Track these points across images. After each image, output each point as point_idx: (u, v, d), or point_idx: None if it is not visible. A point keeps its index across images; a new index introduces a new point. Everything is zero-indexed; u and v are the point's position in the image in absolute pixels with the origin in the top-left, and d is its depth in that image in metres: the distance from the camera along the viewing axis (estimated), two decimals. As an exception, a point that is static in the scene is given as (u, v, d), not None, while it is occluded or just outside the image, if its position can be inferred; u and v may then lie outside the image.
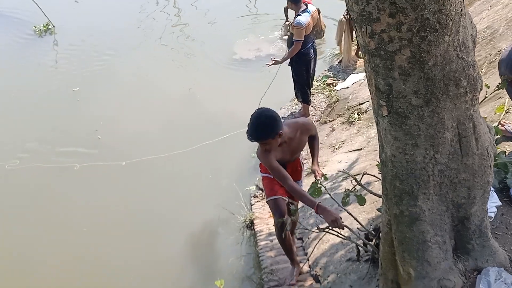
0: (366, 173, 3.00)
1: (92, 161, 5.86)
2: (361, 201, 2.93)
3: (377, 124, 2.16)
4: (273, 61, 5.77)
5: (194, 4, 10.25)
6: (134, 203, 5.41)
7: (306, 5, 5.46)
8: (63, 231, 5.06)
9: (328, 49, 7.56)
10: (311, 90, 6.17)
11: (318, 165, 3.30)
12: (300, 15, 5.39)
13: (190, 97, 7.11)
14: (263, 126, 2.99)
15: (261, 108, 3.18)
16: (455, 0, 1.78)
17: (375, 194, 2.91)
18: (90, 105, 6.95)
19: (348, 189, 3.04)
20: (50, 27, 9.05)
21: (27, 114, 6.88)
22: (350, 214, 2.84)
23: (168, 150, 6.01)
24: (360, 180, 3.09)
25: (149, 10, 9.99)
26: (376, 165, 2.86)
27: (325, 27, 6.32)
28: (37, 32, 9.00)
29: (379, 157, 2.23)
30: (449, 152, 2.03)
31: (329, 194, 2.94)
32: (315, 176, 3.29)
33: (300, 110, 6.32)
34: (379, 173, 2.89)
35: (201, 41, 8.70)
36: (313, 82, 6.20)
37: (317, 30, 5.93)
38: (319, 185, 2.81)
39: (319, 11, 5.83)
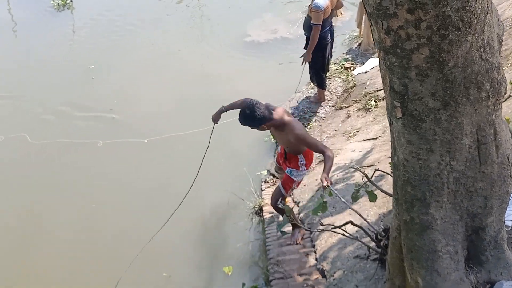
0: (378, 170, 2.88)
1: (109, 138, 5.89)
2: (372, 197, 2.83)
3: (390, 125, 2.04)
4: (303, 59, 5.58)
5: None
6: (148, 181, 5.43)
7: None
8: (82, 204, 5.15)
9: (347, 31, 7.30)
10: (327, 75, 5.98)
11: (326, 176, 3.32)
12: None
13: (204, 77, 7.00)
14: (246, 119, 3.60)
15: (251, 100, 3.63)
16: (481, -4, 1.62)
17: (386, 193, 2.80)
18: (105, 83, 6.91)
19: (359, 184, 2.93)
20: (68, 1, 8.96)
21: (43, 90, 6.88)
22: (359, 215, 2.74)
23: (182, 129, 5.99)
24: (372, 176, 2.98)
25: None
26: (389, 163, 2.74)
27: (341, 14, 6.03)
28: (55, 7, 8.93)
29: (391, 159, 2.11)
30: (466, 159, 1.90)
31: (339, 197, 2.83)
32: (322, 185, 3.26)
33: (315, 94, 6.16)
34: (391, 172, 2.77)
35: (216, 21, 8.51)
36: (329, 66, 6.02)
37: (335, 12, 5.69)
38: (324, 200, 2.69)
39: None
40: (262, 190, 5.20)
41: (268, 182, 5.35)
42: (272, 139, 5.92)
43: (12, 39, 8.40)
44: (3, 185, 5.45)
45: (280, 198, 3.94)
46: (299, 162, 3.86)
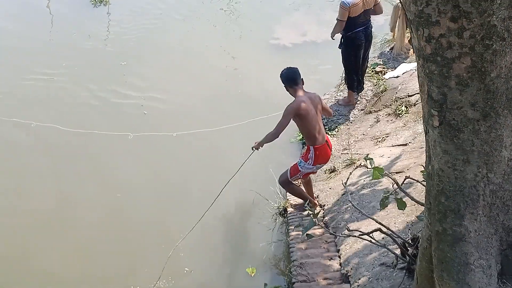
0: (408, 177, 2.83)
1: (139, 132, 6.02)
2: (401, 205, 2.78)
3: (425, 133, 2.00)
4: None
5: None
6: (176, 175, 5.55)
7: None
8: (110, 194, 5.30)
9: (380, 35, 7.21)
10: (363, 79, 5.92)
11: (257, 141, 4.19)
12: None
13: (232, 75, 7.05)
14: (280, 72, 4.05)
15: (293, 67, 4.06)
16: (530, 6, 1.58)
17: (417, 202, 2.75)
18: (136, 80, 7.04)
19: (388, 191, 2.89)
20: (104, -3, 9.16)
21: (76, 83, 7.06)
22: (381, 224, 2.70)
23: (210, 125, 6.07)
24: (402, 183, 2.93)
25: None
26: (421, 171, 2.69)
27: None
28: (92, 2, 9.14)
29: (425, 168, 2.08)
30: (505, 172, 1.85)
31: (352, 204, 2.80)
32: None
33: (344, 97, 6.11)
34: (423, 181, 2.72)
35: (247, 19, 8.54)
36: (365, 70, 5.96)
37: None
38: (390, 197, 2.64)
39: None
40: (286, 192, 5.19)
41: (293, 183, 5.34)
42: (298, 140, 5.92)
43: (48, 32, 8.63)
44: (34, 171, 5.63)
45: (306, 201, 4.19)
46: (309, 155, 4.02)
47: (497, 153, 1.82)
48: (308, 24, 8.18)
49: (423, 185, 2.90)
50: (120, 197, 5.28)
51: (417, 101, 5.31)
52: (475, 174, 1.87)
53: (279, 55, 7.41)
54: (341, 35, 5.54)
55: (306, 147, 4.14)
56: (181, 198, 5.28)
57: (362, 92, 6.14)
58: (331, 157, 4.45)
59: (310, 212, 3.08)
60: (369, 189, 4.17)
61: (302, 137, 5.87)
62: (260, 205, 5.05)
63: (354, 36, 5.39)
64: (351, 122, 5.81)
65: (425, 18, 1.66)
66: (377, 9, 5.49)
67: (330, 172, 5.01)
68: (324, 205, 4.49)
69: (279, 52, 7.53)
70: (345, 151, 5.25)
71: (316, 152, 3.94)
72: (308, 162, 4.01)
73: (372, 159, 2.69)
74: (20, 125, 6.13)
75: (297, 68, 4.05)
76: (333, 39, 5.71)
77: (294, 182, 4.37)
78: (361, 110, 5.98)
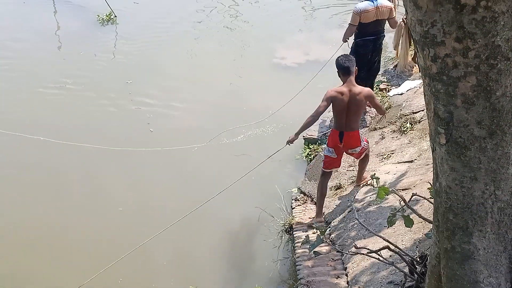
0: (415, 195, 2.84)
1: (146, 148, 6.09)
2: (408, 222, 2.78)
3: (432, 151, 2.02)
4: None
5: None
6: (180, 191, 5.61)
7: None
8: (120, 207, 5.37)
9: (383, 53, 7.29)
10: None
11: (291, 135, 4.52)
12: (362, 1, 5.44)
13: (234, 93, 7.12)
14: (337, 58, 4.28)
15: (349, 55, 4.39)
16: (533, 26, 1.61)
17: (425, 219, 2.75)
18: (142, 98, 7.13)
19: (395, 208, 2.89)
20: (112, 17, 9.33)
21: (82, 104, 7.13)
22: (389, 242, 2.69)
23: (215, 141, 6.15)
24: (409, 200, 2.94)
25: (210, 4, 10.08)
26: (428, 188, 2.70)
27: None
28: (99, 21, 9.31)
29: (433, 185, 2.09)
30: (512, 189, 1.86)
31: (359, 221, 2.80)
32: None
33: None
34: (430, 198, 2.73)
35: (252, 37, 8.67)
36: (372, 84, 6.01)
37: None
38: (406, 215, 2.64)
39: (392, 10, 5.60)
40: (293, 208, 5.20)
41: (298, 200, 5.35)
42: (304, 157, 5.95)
43: (55, 49, 8.78)
44: (43, 189, 5.67)
45: (318, 208, 4.57)
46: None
47: (504, 171, 1.83)
48: (312, 43, 8.28)
49: (430, 202, 2.91)
50: (122, 211, 5.31)
51: (421, 118, 5.34)
52: (482, 192, 1.88)
53: (283, 74, 7.48)
54: (353, 40, 5.69)
55: None
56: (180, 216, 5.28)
57: (367, 109, 6.17)
58: (339, 168, 4.83)
59: (317, 229, 3.09)
60: (375, 206, 4.16)
61: (308, 154, 5.92)
62: (265, 222, 5.05)
63: (362, 44, 5.52)
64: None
65: (430, 38, 1.70)
66: (391, 23, 5.65)
67: (336, 189, 5.01)
68: (331, 222, 4.48)
69: (283, 71, 7.61)
70: (351, 168, 5.26)
71: (331, 133, 4.36)
72: (327, 143, 4.43)
73: (378, 178, 2.70)
74: (26, 139, 6.17)
75: (354, 59, 4.25)
76: (345, 42, 5.83)
77: (326, 175, 4.55)
78: (366, 127, 6.00)
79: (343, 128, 4.21)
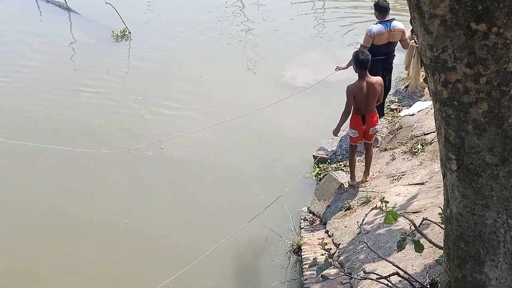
0: (426, 219, 2.79)
1: (158, 166, 6.17)
2: (418, 248, 2.71)
3: (443, 177, 1.99)
4: (338, 68, 6.00)
5: (263, 15, 10.35)
6: (191, 205, 5.66)
7: (392, 19, 5.45)
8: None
9: (394, 73, 7.27)
10: (382, 107, 6.02)
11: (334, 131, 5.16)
12: (375, 24, 5.46)
13: (243, 111, 7.14)
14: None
15: (365, 52, 4.77)
16: (546, 53, 1.59)
17: (435, 245, 2.69)
18: (151, 116, 7.18)
19: (405, 232, 2.84)
20: (126, 33, 9.49)
21: (95, 117, 7.21)
22: (398, 267, 2.63)
23: (226, 161, 6.15)
24: (420, 225, 2.88)
25: (221, 21, 10.22)
26: (439, 213, 2.64)
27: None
28: (113, 37, 9.47)
29: (443, 211, 2.05)
30: (526, 218, 1.81)
31: (367, 246, 2.74)
32: None
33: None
34: (441, 223, 2.68)
35: (263, 55, 8.72)
36: (382, 101, 6.00)
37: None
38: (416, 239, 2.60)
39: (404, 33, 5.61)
40: (301, 228, 5.14)
41: (307, 220, 5.29)
42: (313, 176, 5.91)
43: (70, 63, 8.92)
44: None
45: (352, 176, 5.28)
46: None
47: (517, 199, 1.79)
48: (322, 63, 8.29)
49: (441, 227, 2.85)
50: (128, 224, 5.32)
51: (433, 139, 5.28)
52: (494, 220, 1.84)
53: (291, 92, 7.40)
54: None
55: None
56: (187, 233, 5.29)
57: (378, 128, 6.13)
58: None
59: (325, 252, 3.03)
60: (385, 229, 4.09)
61: (317, 173, 5.88)
62: (273, 242, 4.99)
63: (373, 63, 5.50)
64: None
65: (441, 63, 1.68)
66: (404, 45, 5.67)
67: (346, 210, 4.95)
68: (339, 243, 4.41)
69: (293, 91, 7.56)
70: (361, 189, 5.20)
71: (352, 118, 4.92)
72: (350, 126, 5.01)
73: (387, 201, 2.65)
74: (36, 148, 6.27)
75: (369, 55, 4.70)
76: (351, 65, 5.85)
77: (353, 148, 5.17)
78: (377, 147, 5.95)
79: (363, 111, 4.84)
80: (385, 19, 5.41)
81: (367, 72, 4.69)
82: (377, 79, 4.78)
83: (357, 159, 5.44)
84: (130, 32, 9.51)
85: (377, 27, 5.39)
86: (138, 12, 10.62)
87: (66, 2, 10.80)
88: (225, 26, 9.98)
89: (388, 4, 5.47)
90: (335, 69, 6.04)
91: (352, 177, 5.30)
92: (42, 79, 8.16)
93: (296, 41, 9.21)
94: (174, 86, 7.91)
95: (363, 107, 4.80)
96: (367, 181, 5.25)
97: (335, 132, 5.10)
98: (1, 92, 7.82)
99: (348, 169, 5.46)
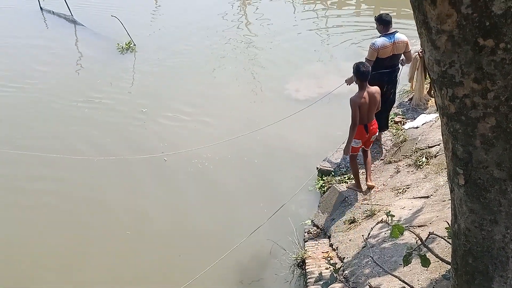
0: (432, 234, 2.77)
1: (161, 179, 6.14)
2: (425, 262, 2.69)
3: (451, 191, 1.97)
4: (346, 82, 5.95)
5: (266, 28, 10.42)
6: (194, 216, 5.65)
7: (395, 32, 5.47)
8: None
9: (399, 85, 7.29)
10: (386, 119, 6.01)
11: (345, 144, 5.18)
12: (379, 37, 5.48)
13: (248, 124, 7.14)
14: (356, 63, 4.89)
15: (365, 64, 4.90)
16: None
17: (442, 260, 2.67)
18: (155, 128, 7.21)
19: (412, 247, 2.81)
20: (131, 45, 9.57)
21: (99, 129, 7.24)
22: (405, 283, 2.61)
23: (231, 174, 6.14)
24: (426, 240, 2.86)
25: (225, 34, 10.30)
26: (446, 228, 2.63)
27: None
28: (119, 50, 9.56)
29: (451, 226, 2.03)
30: (535, 234, 1.79)
31: (373, 260, 2.71)
32: None
33: None
34: (448, 238, 2.66)
35: (267, 69, 8.77)
36: (387, 117, 6.00)
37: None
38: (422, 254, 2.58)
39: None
40: (305, 241, 5.11)
41: (311, 233, 5.26)
42: (317, 189, 5.89)
43: (75, 75, 9.00)
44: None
45: (357, 182, 5.33)
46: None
47: (525, 214, 1.78)
48: (325, 75, 8.32)
49: (448, 241, 2.82)
50: (130, 235, 5.31)
51: (437, 152, 5.27)
52: (503, 235, 1.82)
53: (296, 107, 7.41)
54: None
55: None
56: (189, 245, 5.27)
57: (382, 141, 6.13)
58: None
59: (330, 266, 3.01)
60: (390, 243, 4.06)
61: (321, 186, 5.86)
62: (277, 256, 4.97)
63: (377, 76, 5.52)
64: (371, 172, 5.76)
65: (448, 78, 1.68)
66: (407, 57, 5.66)
67: (350, 223, 4.92)
68: (344, 257, 4.38)
69: (298, 104, 7.56)
70: (365, 202, 5.18)
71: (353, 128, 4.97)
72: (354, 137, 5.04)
73: (393, 215, 2.64)
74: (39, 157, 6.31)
75: (369, 66, 4.89)
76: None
77: (353, 157, 5.26)
78: (381, 159, 5.94)
79: (366, 121, 4.98)
80: (388, 32, 5.44)
81: (367, 83, 4.84)
82: (376, 89, 4.93)
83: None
84: (135, 44, 9.60)
85: (381, 40, 5.41)
86: (143, 24, 10.74)
87: (72, 15, 10.93)
88: (229, 39, 10.07)
89: (391, 17, 5.51)
90: (345, 82, 5.96)
91: (358, 184, 5.36)
92: (47, 92, 8.23)
93: (299, 54, 9.27)
94: (179, 99, 7.96)
95: (365, 116, 4.93)
96: (371, 185, 5.28)
97: (347, 151, 5.08)
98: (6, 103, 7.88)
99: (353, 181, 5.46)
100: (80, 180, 6.15)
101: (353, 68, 4.88)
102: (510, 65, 1.56)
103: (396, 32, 5.48)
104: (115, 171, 6.25)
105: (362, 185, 5.35)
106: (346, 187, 5.50)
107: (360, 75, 4.80)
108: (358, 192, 5.40)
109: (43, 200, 5.86)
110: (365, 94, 4.83)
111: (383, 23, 5.45)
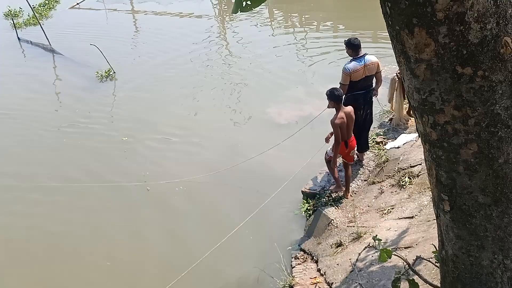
0: (420, 258, 2.75)
1: (144, 209, 6.03)
2: (414, 286, 2.67)
3: (436, 217, 1.97)
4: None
5: (246, 51, 10.51)
6: (176, 247, 5.53)
7: (365, 54, 5.53)
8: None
9: (378, 106, 7.38)
10: (366, 139, 6.07)
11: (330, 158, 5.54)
12: (350, 62, 5.53)
13: (230, 150, 7.10)
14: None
15: (338, 89, 5.27)
16: (531, 94, 1.61)
17: (431, 284, 2.64)
18: (136, 156, 7.11)
19: (399, 271, 2.79)
20: (111, 73, 9.52)
21: (80, 158, 7.10)
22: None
23: (214, 197, 6.06)
24: (414, 264, 2.84)
25: (206, 58, 10.33)
26: (433, 252, 2.61)
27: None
28: (98, 77, 9.49)
29: (438, 252, 2.02)
30: (522, 258, 1.79)
31: (361, 286, 2.68)
32: None
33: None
34: (436, 262, 2.64)
35: (250, 94, 8.80)
36: (365, 137, 6.04)
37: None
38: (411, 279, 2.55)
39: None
40: (293, 267, 5.02)
41: (298, 258, 5.18)
42: (302, 212, 5.84)
43: (54, 102, 8.87)
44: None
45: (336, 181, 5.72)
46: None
47: (511, 239, 1.78)
48: (307, 98, 8.37)
49: (435, 265, 2.81)
50: (110, 265, 5.16)
51: (420, 172, 5.30)
52: (491, 261, 1.81)
53: (278, 131, 7.40)
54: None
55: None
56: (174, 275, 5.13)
57: (365, 162, 6.16)
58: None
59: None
60: (378, 266, 4.03)
61: (306, 209, 5.81)
62: (265, 283, 4.86)
63: (353, 98, 5.59)
64: (355, 193, 5.76)
65: (429, 106, 1.70)
66: (377, 77, 5.74)
67: (337, 247, 4.87)
68: (332, 283, 4.31)
69: (279, 128, 7.55)
70: (351, 224, 5.15)
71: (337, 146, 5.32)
72: (331, 149, 5.45)
73: (380, 239, 2.62)
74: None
75: (341, 90, 5.25)
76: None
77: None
78: (364, 180, 5.95)
79: (346, 138, 5.35)
80: (358, 55, 5.52)
81: (342, 104, 5.25)
82: (350, 108, 5.32)
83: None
84: (114, 72, 9.55)
85: (352, 65, 5.48)
86: (122, 52, 10.71)
87: (50, 44, 10.85)
88: (210, 63, 10.09)
89: (359, 41, 5.59)
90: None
91: (338, 184, 5.73)
92: (25, 124, 8.11)
93: (280, 76, 9.31)
94: (159, 126, 7.87)
95: (345, 134, 5.32)
96: (347, 198, 5.59)
97: (334, 164, 5.51)
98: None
99: (337, 205, 5.46)
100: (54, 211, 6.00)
101: (327, 94, 5.21)
102: (489, 92, 1.58)
103: (365, 54, 5.56)
104: (95, 200, 6.11)
105: (342, 186, 5.74)
106: (329, 189, 5.84)
107: (335, 98, 5.18)
108: (343, 215, 5.38)
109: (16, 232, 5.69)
110: (343, 114, 5.21)
111: (352, 47, 5.53)
